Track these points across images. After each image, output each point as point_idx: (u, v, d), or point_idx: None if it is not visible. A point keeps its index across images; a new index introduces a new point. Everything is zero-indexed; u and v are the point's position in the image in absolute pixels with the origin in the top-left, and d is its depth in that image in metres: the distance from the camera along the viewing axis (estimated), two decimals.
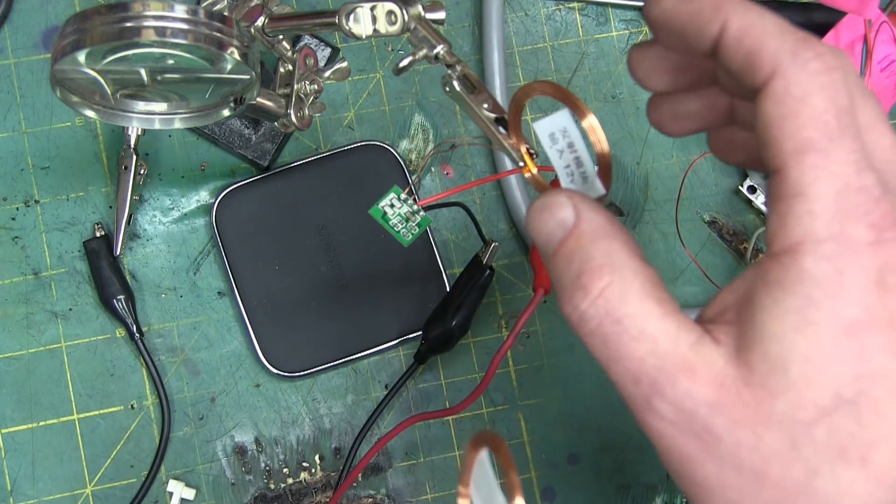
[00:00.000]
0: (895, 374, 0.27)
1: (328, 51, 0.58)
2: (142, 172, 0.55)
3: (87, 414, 0.56)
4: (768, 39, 0.29)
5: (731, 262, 0.60)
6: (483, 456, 0.31)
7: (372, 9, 0.43)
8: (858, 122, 0.28)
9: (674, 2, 0.31)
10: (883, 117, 0.31)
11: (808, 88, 0.28)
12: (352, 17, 0.43)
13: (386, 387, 0.57)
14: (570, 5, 0.61)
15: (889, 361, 0.27)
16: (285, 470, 0.56)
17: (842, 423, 0.27)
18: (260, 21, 0.47)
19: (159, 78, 0.45)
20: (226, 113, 0.48)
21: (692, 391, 0.28)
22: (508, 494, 0.29)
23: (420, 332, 0.56)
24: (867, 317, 0.27)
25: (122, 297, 0.56)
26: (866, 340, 0.27)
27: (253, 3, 0.47)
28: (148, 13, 0.40)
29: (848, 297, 0.27)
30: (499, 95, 0.58)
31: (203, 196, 0.58)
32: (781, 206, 0.28)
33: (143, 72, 0.44)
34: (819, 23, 0.59)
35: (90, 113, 0.47)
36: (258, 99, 0.47)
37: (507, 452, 0.30)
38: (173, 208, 0.58)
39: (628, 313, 0.29)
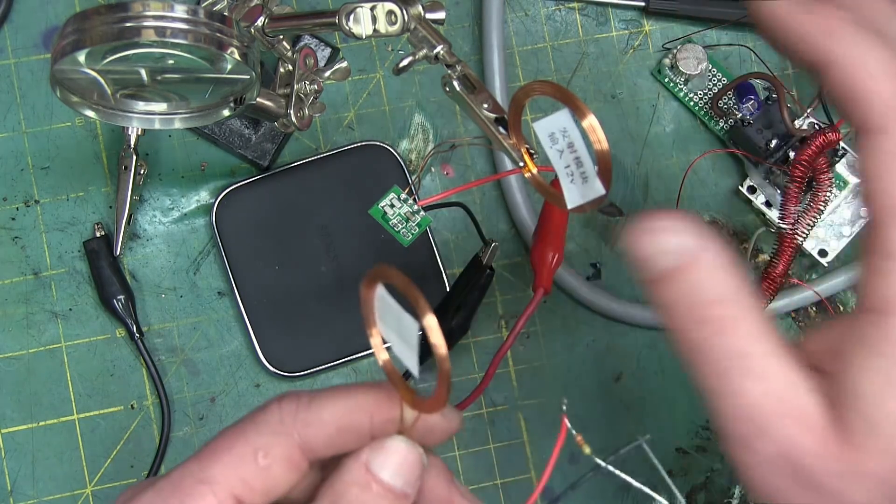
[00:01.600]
0: None
1: (328, 51, 0.58)
2: (142, 172, 0.55)
3: (87, 414, 0.56)
4: (878, 87, 0.29)
5: None
6: (380, 291, 0.31)
7: (372, 9, 0.43)
8: None
9: (786, 11, 0.31)
10: None
11: None
12: (352, 17, 0.43)
13: None
14: (570, 5, 0.61)
15: None
16: None
17: None
18: (260, 21, 0.47)
19: (159, 78, 0.45)
20: (226, 113, 0.48)
21: (798, 439, 0.29)
22: (416, 313, 0.29)
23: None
24: None
25: (122, 297, 0.56)
26: None
27: (253, 3, 0.47)
28: (148, 13, 0.40)
29: None
30: (499, 95, 0.58)
31: (203, 196, 0.58)
32: (874, 262, 0.29)
33: (143, 72, 0.44)
34: None
35: (90, 113, 0.47)
36: (258, 99, 0.47)
37: (398, 275, 0.30)
38: (173, 208, 0.58)
39: (752, 351, 0.29)
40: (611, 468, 0.30)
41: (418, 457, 0.32)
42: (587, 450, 0.31)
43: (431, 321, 0.29)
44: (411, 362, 0.31)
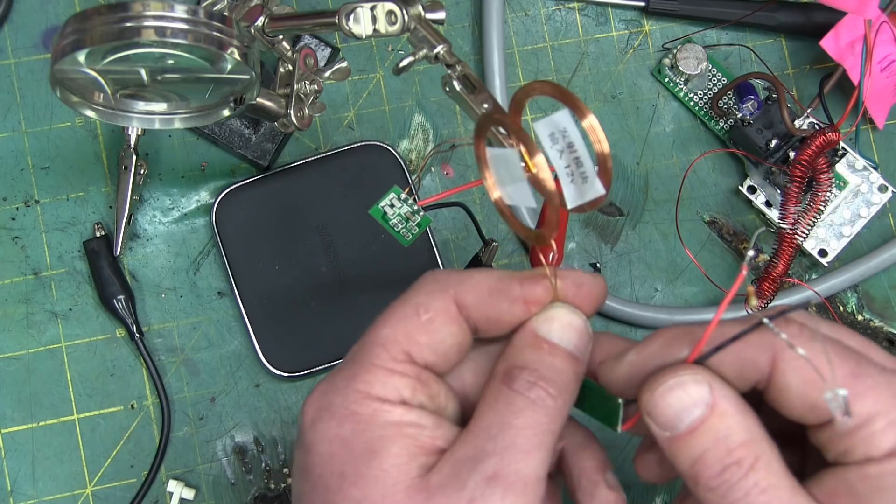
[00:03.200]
0: None
1: (328, 51, 0.58)
2: (142, 172, 0.55)
3: (87, 414, 0.56)
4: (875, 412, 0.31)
5: (731, 262, 0.60)
6: (492, 150, 0.34)
7: (372, 9, 0.43)
8: None
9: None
10: None
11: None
12: (352, 17, 0.43)
13: None
14: (570, 5, 0.61)
15: None
16: (285, 470, 0.56)
17: None
18: (260, 21, 0.47)
19: (159, 78, 0.45)
20: (226, 113, 0.48)
21: None
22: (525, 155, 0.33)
23: None
24: None
25: (122, 297, 0.56)
26: None
27: (253, 3, 0.47)
28: (148, 13, 0.40)
29: None
30: (499, 95, 0.58)
31: (203, 196, 0.58)
32: None
33: (143, 72, 0.44)
34: (819, 23, 0.59)
35: (90, 113, 0.47)
36: (258, 99, 0.47)
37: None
38: (173, 208, 0.58)
39: (774, 484, 0.31)
40: (772, 326, 0.31)
41: (581, 322, 0.34)
42: (754, 301, 0.32)
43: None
44: (526, 198, 0.34)
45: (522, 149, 0.37)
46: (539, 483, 0.32)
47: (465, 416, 0.35)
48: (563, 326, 0.34)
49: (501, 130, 0.39)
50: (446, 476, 0.32)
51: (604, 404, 0.34)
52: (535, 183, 0.35)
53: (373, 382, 0.33)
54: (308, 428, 0.34)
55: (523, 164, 0.34)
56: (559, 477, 0.37)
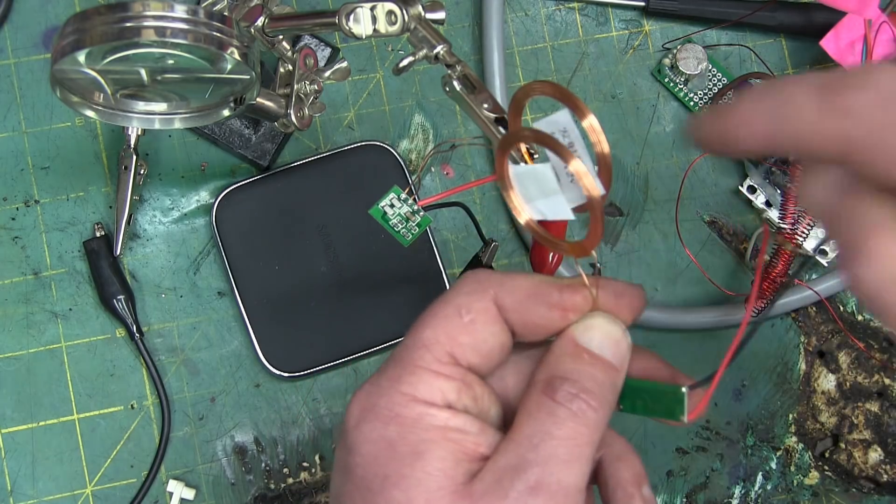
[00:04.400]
0: None
1: (328, 51, 0.58)
2: (142, 172, 0.55)
3: (87, 414, 0.56)
4: None
5: (731, 262, 0.60)
6: (515, 167, 0.34)
7: (372, 9, 0.43)
8: None
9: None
10: None
11: None
12: (352, 17, 0.43)
13: None
14: (570, 5, 0.61)
15: None
16: (285, 470, 0.56)
17: None
18: (260, 21, 0.47)
19: (159, 78, 0.45)
20: (226, 113, 0.48)
21: None
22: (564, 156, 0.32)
23: None
24: None
25: (122, 297, 0.56)
26: None
27: (253, 3, 0.47)
28: (148, 13, 0.40)
29: None
30: (499, 95, 0.58)
31: (203, 196, 0.58)
32: None
33: (143, 72, 0.44)
34: (819, 23, 0.59)
35: (90, 113, 0.47)
36: (258, 99, 0.47)
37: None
38: (173, 208, 0.58)
39: None
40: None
41: (620, 332, 0.35)
42: (789, 245, 0.32)
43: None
44: (562, 211, 0.34)
45: (523, 148, 0.37)
46: (580, 493, 0.32)
47: (506, 419, 0.35)
48: (603, 336, 0.34)
49: (502, 130, 0.40)
50: (489, 484, 0.32)
51: (662, 399, 0.34)
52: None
53: (417, 385, 0.33)
54: (352, 428, 0.34)
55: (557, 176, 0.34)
56: (593, 485, 0.37)
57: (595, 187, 0.32)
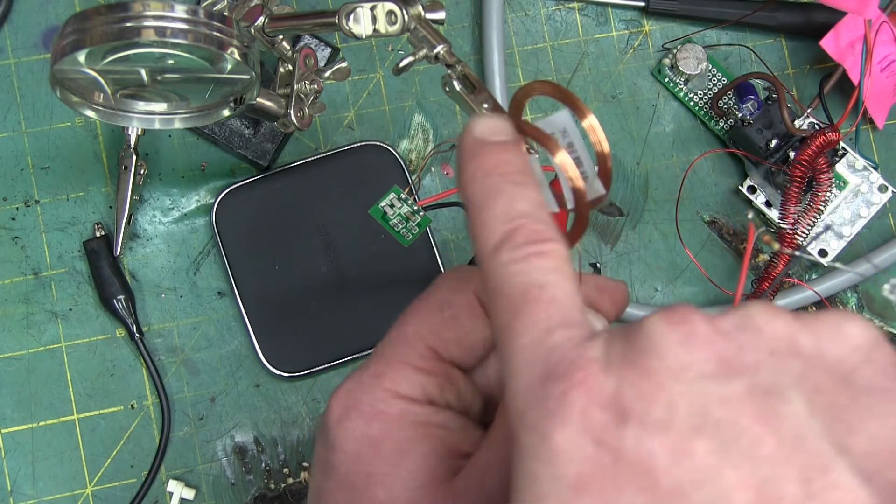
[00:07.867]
0: None
1: (328, 51, 0.58)
2: (142, 172, 0.55)
3: (87, 414, 0.56)
4: None
5: (731, 262, 0.60)
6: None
7: (372, 9, 0.43)
8: None
9: None
10: None
11: None
12: (352, 17, 0.43)
13: None
14: (570, 5, 0.61)
15: None
16: (285, 470, 0.56)
17: None
18: (260, 21, 0.47)
19: (159, 78, 0.45)
20: (226, 113, 0.48)
21: None
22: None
23: None
24: None
25: (122, 297, 0.56)
26: None
27: (253, 3, 0.47)
28: (148, 13, 0.40)
29: None
30: (499, 95, 0.58)
31: (203, 196, 0.58)
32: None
33: (143, 72, 0.44)
34: (819, 23, 0.59)
35: (90, 113, 0.47)
36: (258, 99, 0.47)
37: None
38: (173, 208, 0.58)
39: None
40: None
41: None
42: (776, 245, 0.32)
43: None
44: (547, 203, 0.33)
45: (523, 148, 0.37)
46: None
47: (489, 413, 0.35)
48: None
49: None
50: (472, 481, 0.32)
51: None
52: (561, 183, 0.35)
53: (400, 381, 0.33)
54: (335, 425, 0.33)
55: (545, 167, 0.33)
56: None
57: (579, 178, 0.31)
